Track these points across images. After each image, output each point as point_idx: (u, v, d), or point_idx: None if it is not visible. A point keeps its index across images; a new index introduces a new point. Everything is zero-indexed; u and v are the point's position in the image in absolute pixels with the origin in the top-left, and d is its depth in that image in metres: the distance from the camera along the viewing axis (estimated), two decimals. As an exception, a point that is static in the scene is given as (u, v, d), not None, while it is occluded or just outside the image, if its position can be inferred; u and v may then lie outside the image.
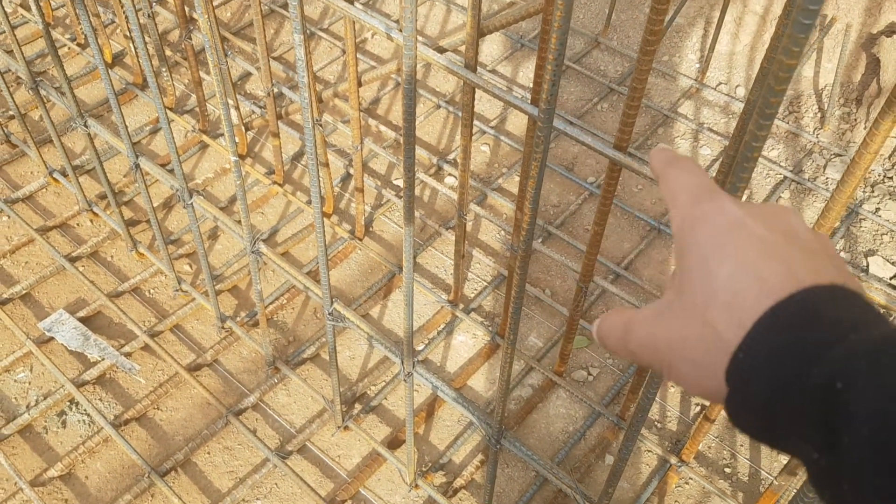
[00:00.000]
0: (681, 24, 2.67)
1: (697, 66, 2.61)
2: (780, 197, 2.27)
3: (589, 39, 2.72)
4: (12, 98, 2.05)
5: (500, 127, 2.47)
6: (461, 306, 2.00)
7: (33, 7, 1.63)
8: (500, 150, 2.40)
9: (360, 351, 1.94)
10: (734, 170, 0.76)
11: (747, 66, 2.56)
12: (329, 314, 1.46)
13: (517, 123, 2.47)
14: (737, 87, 2.54)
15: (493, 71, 2.64)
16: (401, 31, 1.49)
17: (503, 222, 2.19)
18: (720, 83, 2.56)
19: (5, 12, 1.77)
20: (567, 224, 2.21)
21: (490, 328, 1.96)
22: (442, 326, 1.98)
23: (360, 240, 2.15)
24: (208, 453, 1.75)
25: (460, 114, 2.48)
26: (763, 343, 0.35)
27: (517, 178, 2.32)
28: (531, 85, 2.56)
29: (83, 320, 1.94)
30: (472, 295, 2.04)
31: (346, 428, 1.78)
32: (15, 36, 1.80)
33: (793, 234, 0.40)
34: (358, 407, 1.83)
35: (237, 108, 2.30)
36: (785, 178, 2.30)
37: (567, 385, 1.85)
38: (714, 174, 1.53)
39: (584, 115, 2.48)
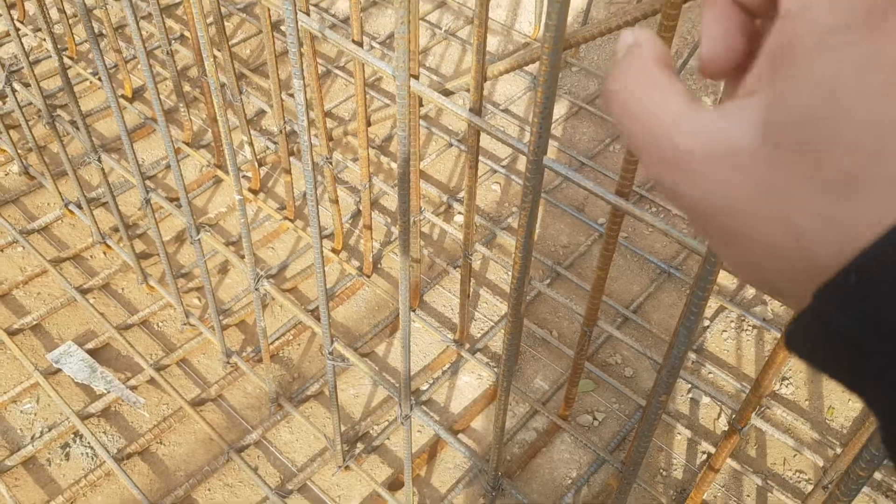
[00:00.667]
0: (694, 67, 2.67)
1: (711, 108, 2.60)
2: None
3: (603, 80, 2.72)
4: (30, 131, 2.09)
5: (512, 166, 2.47)
6: (467, 346, 1.99)
7: (49, 44, 1.67)
8: (511, 189, 2.40)
9: (364, 389, 1.93)
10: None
11: (761, 109, 2.55)
12: (329, 353, 1.46)
13: (529, 163, 2.47)
14: (750, 129, 2.53)
15: (506, 110, 2.65)
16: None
17: (511, 262, 2.18)
18: (734, 126, 2.56)
19: (24, 48, 1.81)
20: (576, 265, 2.20)
21: (496, 369, 1.94)
22: (447, 366, 1.97)
23: (368, 277, 2.16)
24: (209, 490, 1.74)
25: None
26: (886, 266, 0.24)
27: (527, 218, 2.32)
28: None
29: (91, 352, 1.96)
30: (479, 335, 2.03)
31: (347, 468, 1.77)
32: (33, 70, 1.84)
33: None
34: (360, 446, 1.82)
35: (251, 143, 2.33)
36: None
37: (572, 430, 1.82)
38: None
39: (595, 155, 2.48)
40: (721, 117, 0.27)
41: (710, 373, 1.95)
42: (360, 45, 1.59)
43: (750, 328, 2.06)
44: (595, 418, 1.87)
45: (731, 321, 2.08)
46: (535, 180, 0.83)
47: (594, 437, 1.83)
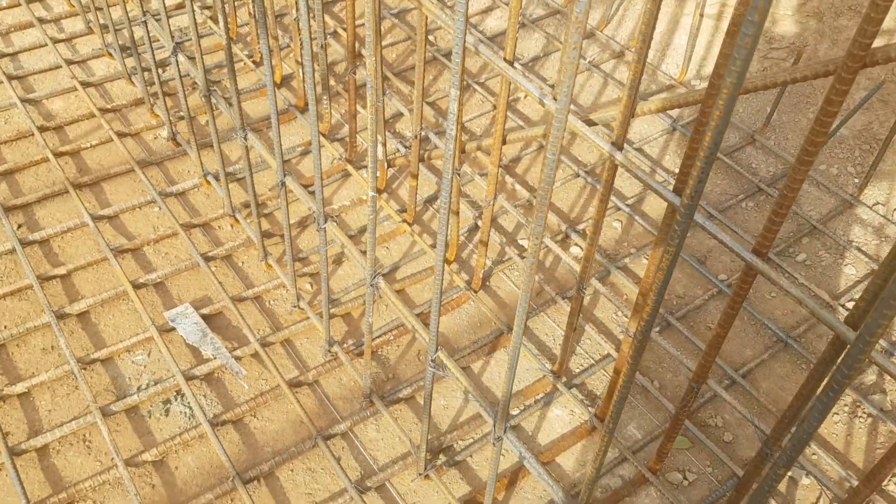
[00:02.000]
0: (844, 135, 2.56)
1: (856, 181, 2.49)
2: (926, 333, 2.11)
3: (745, 135, 2.65)
4: (186, 101, 2.21)
5: (636, 206, 2.43)
6: (564, 379, 1.96)
7: (220, 22, 1.77)
8: (633, 230, 2.36)
9: (455, 402, 1.93)
10: (878, 305, 0.72)
11: (912, 190, 2.41)
12: (431, 361, 1.47)
13: (654, 206, 2.43)
14: (895, 210, 2.40)
15: (639, 149, 2.61)
16: (555, 99, 1.51)
17: (622, 303, 2.14)
18: (877, 203, 2.43)
19: (196, 22, 1.92)
20: (689, 318, 2.13)
21: (590, 408, 1.91)
22: (540, 396, 1.94)
23: (475, 292, 2.16)
24: (291, 471, 1.78)
25: (598, 186, 2.47)
26: None
27: (644, 261, 2.27)
28: (676, 170, 2.52)
29: (205, 317, 2.04)
30: (578, 370, 2.00)
31: (426, 476, 1.77)
32: (200, 45, 1.95)
33: None
34: (442, 458, 1.82)
35: (384, 144, 2.38)
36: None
37: (660, 485, 1.77)
38: (857, 298, 1.43)
39: (726, 209, 2.41)
40: None
41: (814, 454, 1.85)
42: (511, 64, 1.61)
43: (864, 415, 1.95)
44: (685, 478, 1.81)
45: (846, 405, 1.97)
46: (684, 225, 0.81)
47: (682, 497, 1.77)
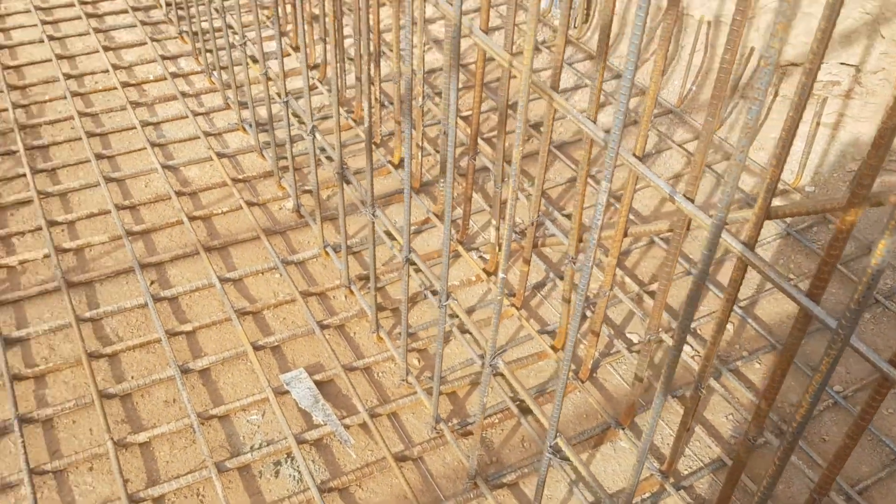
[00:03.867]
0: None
1: (984, 298, 2.39)
2: None
3: (861, 245, 2.60)
4: (317, 176, 2.33)
5: (749, 308, 2.40)
6: (671, 480, 1.92)
7: (365, 109, 1.88)
8: (745, 332, 2.33)
9: (559, 493, 1.91)
10: None
11: None
12: (550, 447, 1.48)
13: (768, 310, 2.39)
14: None
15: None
16: (686, 196, 1.54)
17: (734, 406, 2.09)
18: None
19: (339, 105, 2.05)
20: (806, 428, 2.06)
21: (697, 511, 1.86)
22: (647, 495, 1.90)
23: (583, 382, 2.16)
24: (391, 545, 1.79)
25: (710, 285, 2.46)
26: None
27: (757, 365, 2.23)
28: (789, 275, 2.47)
29: (317, 383, 2.11)
30: (686, 472, 1.96)
31: (527, 566, 1.75)
32: (339, 127, 2.07)
33: None
34: (543, 548, 1.79)
35: (497, 228, 2.45)
36: None
37: None
38: None
39: (842, 318, 2.35)
40: None
41: (940, 587, 1.74)
42: (641, 159, 1.65)
43: None
44: None
45: (975, 536, 1.85)
46: (840, 347, 0.82)
47: None
